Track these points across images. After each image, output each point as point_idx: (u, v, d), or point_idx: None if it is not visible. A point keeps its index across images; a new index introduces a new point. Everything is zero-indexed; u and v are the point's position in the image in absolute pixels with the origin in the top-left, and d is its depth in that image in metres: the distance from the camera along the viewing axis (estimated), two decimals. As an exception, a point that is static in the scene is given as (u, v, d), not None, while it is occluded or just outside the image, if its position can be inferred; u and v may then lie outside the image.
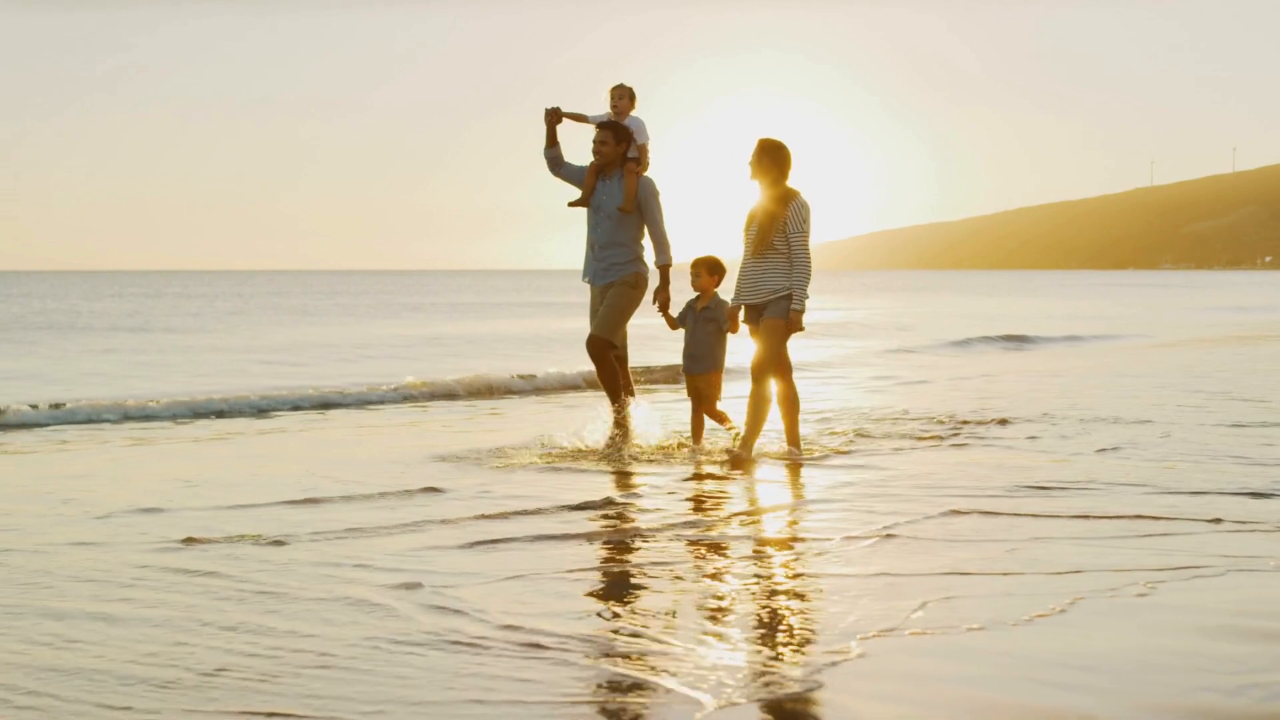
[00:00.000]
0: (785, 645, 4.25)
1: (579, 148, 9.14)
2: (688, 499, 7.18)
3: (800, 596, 4.91)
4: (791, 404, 8.57)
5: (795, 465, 8.31)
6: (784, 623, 4.54)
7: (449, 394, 14.82)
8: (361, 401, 13.97)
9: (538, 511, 6.70)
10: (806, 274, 8.35)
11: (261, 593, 5.03)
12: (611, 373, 8.97)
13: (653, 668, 4.00)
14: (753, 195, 8.56)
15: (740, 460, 8.37)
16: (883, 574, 5.21)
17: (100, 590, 5.13)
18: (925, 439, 9.68)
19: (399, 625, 4.55)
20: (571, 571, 5.37)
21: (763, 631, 4.44)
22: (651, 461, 8.50)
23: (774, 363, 8.43)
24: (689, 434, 9.13)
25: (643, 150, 8.92)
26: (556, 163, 9.08)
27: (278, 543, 6.00)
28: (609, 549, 5.84)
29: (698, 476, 7.92)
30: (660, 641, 4.29)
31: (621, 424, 9.01)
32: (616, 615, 4.64)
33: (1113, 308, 49.44)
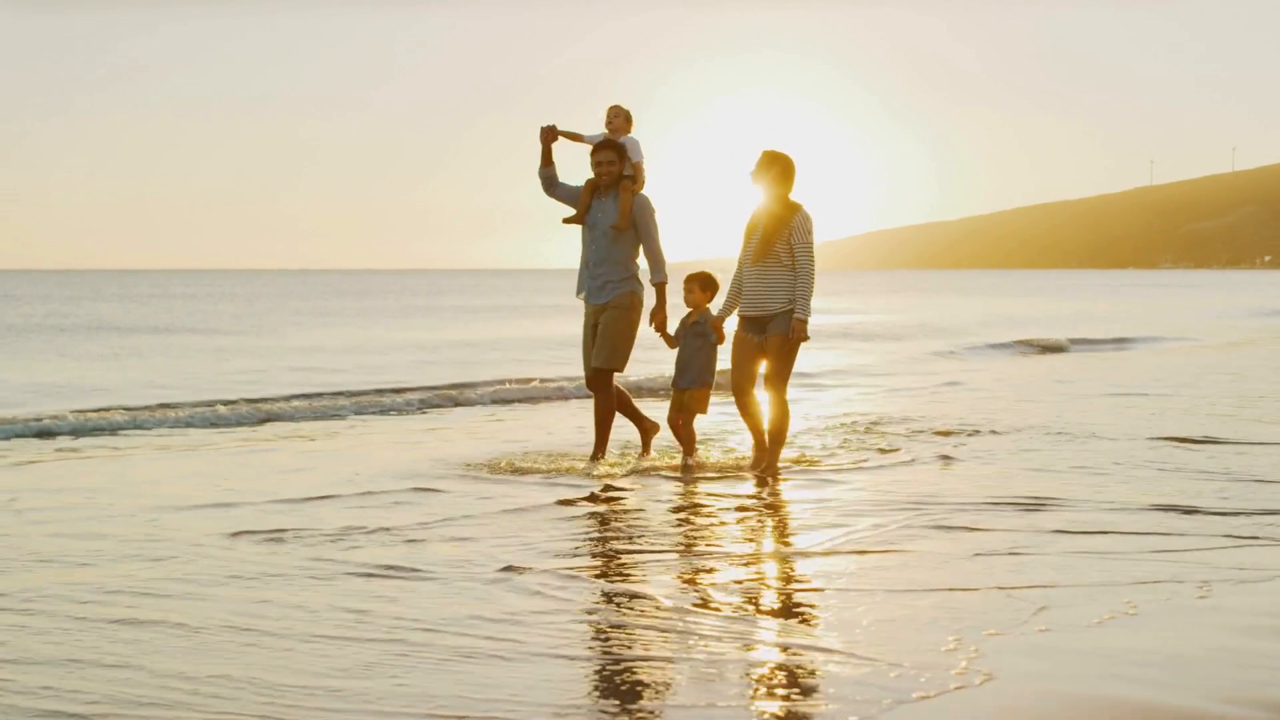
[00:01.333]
0: (911, 646, 4.57)
1: (575, 166, 9.15)
2: (696, 506, 7.61)
3: (876, 606, 5.23)
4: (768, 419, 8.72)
5: (767, 480, 8.36)
6: (884, 626, 4.86)
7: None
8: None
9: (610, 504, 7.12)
10: (810, 285, 8.54)
11: (387, 583, 5.34)
12: (606, 409, 8.98)
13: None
14: (754, 201, 8.73)
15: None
16: (922, 589, 5.44)
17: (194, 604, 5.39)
18: (934, 446, 9.99)
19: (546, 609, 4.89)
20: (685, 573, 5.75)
21: (881, 633, 4.77)
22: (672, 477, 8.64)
23: (787, 378, 8.64)
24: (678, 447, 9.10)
25: (637, 168, 9.00)
26: (551, 182, 9.08)
27: (338, 538, 6.47)
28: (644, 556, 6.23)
29: (697, 489, 8.22)
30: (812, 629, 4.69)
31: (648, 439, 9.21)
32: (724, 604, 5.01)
33: (1122, 307, 49.24)
